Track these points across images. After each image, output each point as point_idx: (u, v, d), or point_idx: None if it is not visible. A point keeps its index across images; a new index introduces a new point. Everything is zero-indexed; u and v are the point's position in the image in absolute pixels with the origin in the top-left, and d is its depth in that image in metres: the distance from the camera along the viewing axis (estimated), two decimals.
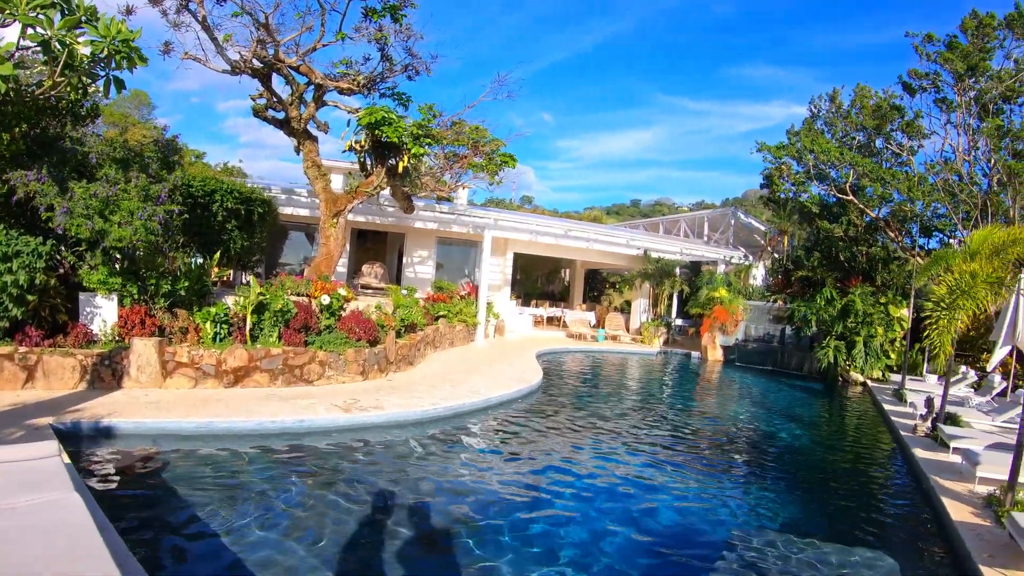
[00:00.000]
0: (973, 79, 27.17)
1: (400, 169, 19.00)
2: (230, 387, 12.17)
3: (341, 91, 19.04)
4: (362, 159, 19.73)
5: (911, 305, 23.50)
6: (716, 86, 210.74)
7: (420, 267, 28.98)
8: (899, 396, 19.74)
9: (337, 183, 24.50)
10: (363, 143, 18.94)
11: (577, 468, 10.61)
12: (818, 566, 7.43)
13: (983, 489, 10.11)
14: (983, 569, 7.11)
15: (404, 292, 20.70)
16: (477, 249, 26.82)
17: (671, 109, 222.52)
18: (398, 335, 16.44)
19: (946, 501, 9.62)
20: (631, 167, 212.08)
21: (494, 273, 28.73)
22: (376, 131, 17.66)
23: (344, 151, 19.49)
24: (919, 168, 29.71)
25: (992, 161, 26.75)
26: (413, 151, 17.96)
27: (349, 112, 19.33)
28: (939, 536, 8.99)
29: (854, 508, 10.38)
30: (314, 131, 19.56)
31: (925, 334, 9.77)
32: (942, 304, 9.30)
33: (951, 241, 28.49)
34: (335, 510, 7.51)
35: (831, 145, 28.96)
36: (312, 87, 18.75)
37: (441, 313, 21.99)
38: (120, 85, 7.69)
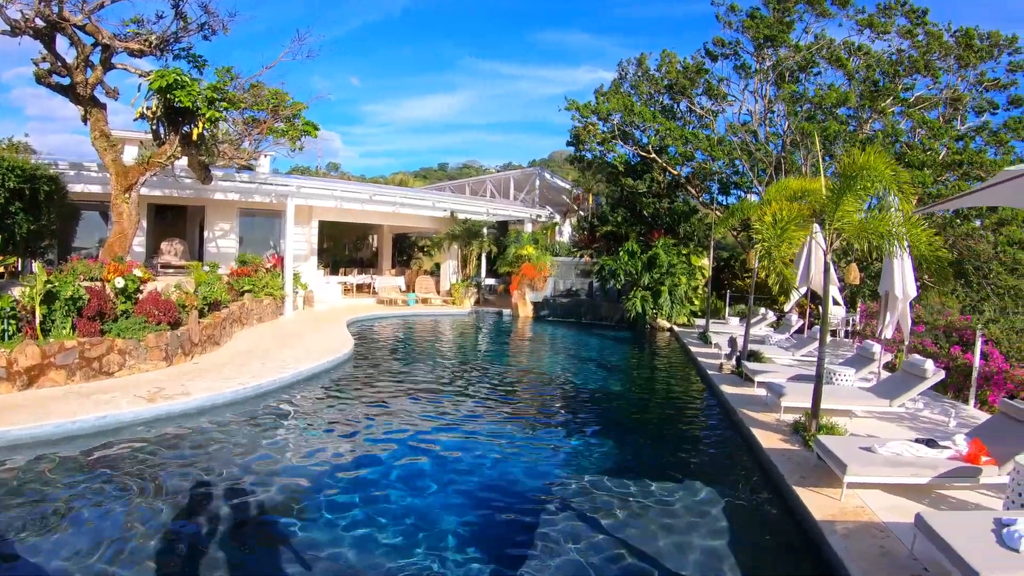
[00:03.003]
0: (772, 49, 28.99)
1: (195, 136, 17.85)
2: (25, 389, 11.07)
3: (131, 53, 17.75)
4: (154, 127, 18.35)
5: (711, 255, 24.68)
6: (525, 50, 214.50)
7: (223, 241, 27.77)
8: (704, 338, 20.65)
9: (132, 155, 23.03)
10: (155, 109, 17.59)
11: (396, 434, 10.47)
12: (641, 503, 7.66)
13: (789, 417, 10.73)
14: (797, 490, 7.56)
15: (206, 268, 19.79)
16: (281, 219, 25.96)
17: (480, 73, 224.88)
18: (201, 314, 15.67)
19: (756, 431, 10.17)
20: (440, 131, 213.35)
21: (299, 243, 27.94)
22: (168, 95, 16.51)
23: (135, 119, 18.09)
24: (720, 130, 31.34)
25: (787, 124, 28.53)
26: (208, 116, 16.98)
27: (140, 76, 17.85)
28: (753, 463, 9.48)
29: (671, 445, 10.83)
30: (102, 98, 18.13)
31: (762, 264, 10.20)
32: (770, 242, 9.68)
33: (747, 196, 30.22)
34: (144, 511, 7.01)
35: (644, 108, 30.03)
36: (99, 48, 17.33)
37: (246, 288, 21.18)
38: None
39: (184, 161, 20.13)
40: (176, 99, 16.42)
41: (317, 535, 6.57)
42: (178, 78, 16.36)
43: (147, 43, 17.64)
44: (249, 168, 24.64)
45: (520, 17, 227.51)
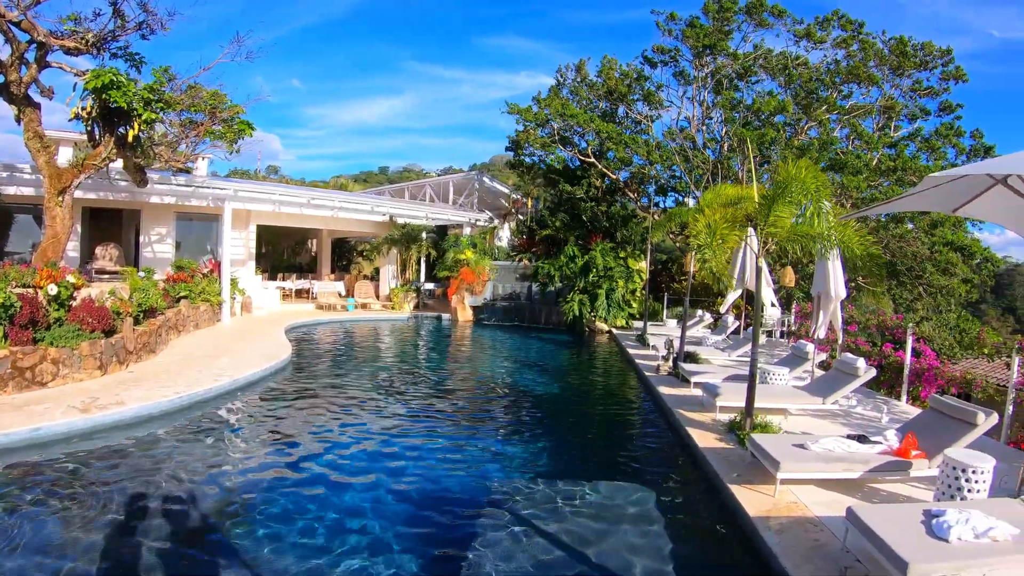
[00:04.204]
0: (711, 56, 29.61)
1: (131, 138, 17.45)
2: None
3: (68, 51, 17.23)
4: (90, 128, 17.80)
5: (649, 258, 24.95)
6: (467, 55, 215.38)
7: (159, 246, 27.16)
8: (642, 341, 20.89)
9: (68, 156, 22.37)
10: (90, 109, 17.04)
11: (335, 441, 10.41)
12: (578, 504, 7.75)
13: (724, 417, 10.92)
14: (732, 487, 7.71)
15: (142, 274, 19.40)
16: (219, 223, 25.50)
17: (422, 76, 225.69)
18: (137, 321, 15.33)
19: (692, 431, 10.35)
20: (381, 134, 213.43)
21: (237, 247, 27.42)
22: (104, 95, 16.11)
23: (70, 119, 17.52)
24: (658, 136, 31.85)
25: (725, 130, 29.11)
26: (144, 117, 16.60)
27: (76, 75, 17.37)
28: (689, 463, 9.66)
29: (608, 446, 10.95)
30: (37, 97, 17.48)
31: (699, 268, 10.40)
32: (706, 246, 9.86)
33: (686, 200, 30.74)
34: (80, 525, 6.85)
35: (580, 112, 30.30)
36: (35, 46, 16.77)
37: (183, 294, 20.79)
38: None
39: (120, 163, 19.69)
40: (112, 99, 16.03)
41: (253, 546, 6.52)
42: (114, 78, 15.98)
43: (84, 41, 17.21)
44: (186, 171, 24.19)
45: (462, 22, 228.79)
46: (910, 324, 15.28)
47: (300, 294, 34.13)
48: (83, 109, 17.07)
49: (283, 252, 42.89)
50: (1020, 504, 5.93)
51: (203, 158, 26.02)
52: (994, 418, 7.52)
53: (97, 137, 17.82)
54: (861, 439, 7.98)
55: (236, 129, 19.74)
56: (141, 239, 26.94)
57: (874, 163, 27.59)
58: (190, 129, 20.17)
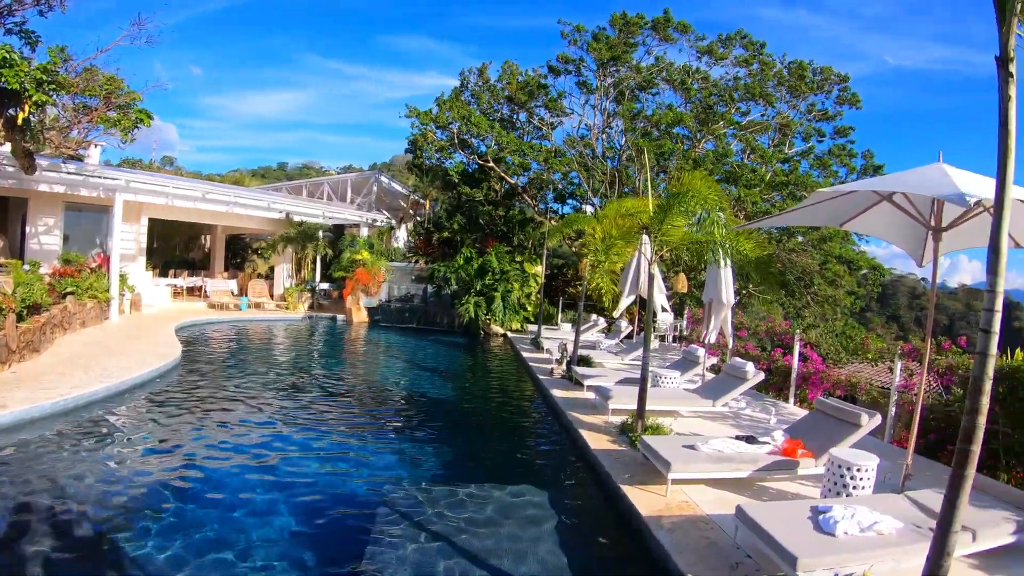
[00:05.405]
0: (614, 67, 30.25)
1: (20, 121, 16.60)
2: None
3: None
4: None
5: (545, 263, 25.26)
6: (371, 52, 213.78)
7: (46, 237, 25.92)
8: (537, 344, 21.02)
9: None
10: None
11: (224, 447, 10.13)
12: (470, 508, 7.74)
13: (616, 419, 11.12)
14: (623, 487, 7.87)
15: (27, 267, 18.68)
16: (109, 215, 24.56)
17: (325, 72, 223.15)
18: (20, 318, 14.71)
19: (584, 433, 10.51)
20: (280, 128, 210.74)
21: (127, 241, 26.55)
22: None
23: None
24: (558, 142, 32.36)
25: (624, 139, 29.75)
26: (35, 99, 15.97)
27: None
28: (582, 464, 9.78)
29: (501, 450, 11.10)
30: None
31: (592, 281, 10.61)
32: (599, 251, 10.08)
33: (584, 207, 31.24)
34: None
35: (482, 119, 30.51)
36: None
37: (69, 290, 19.98)
38: None
39: (7, 148, 18.90)
40: (2, 79, 15.41)
41: (136, 555, 6.32)
42: (7, 55, 15.29)
43: None
44: (77, 159, 23.34)
45: (368, 18, 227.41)
46: (798, 330, 15.80)
47: (192, 292, 33.31)
48: None
49: (175, 248, 41.78)
50: (903, 499, 6.21)
51: (95, 145, 25.14)
52: (877, 419, 7.83)
53: None
54: (750, 440, 8.22)
55: (133, 117, 19.12)
56: (27, 230, 25.80)
57: (768, 177, 28.48)
58: (83, 114, 19.43)
